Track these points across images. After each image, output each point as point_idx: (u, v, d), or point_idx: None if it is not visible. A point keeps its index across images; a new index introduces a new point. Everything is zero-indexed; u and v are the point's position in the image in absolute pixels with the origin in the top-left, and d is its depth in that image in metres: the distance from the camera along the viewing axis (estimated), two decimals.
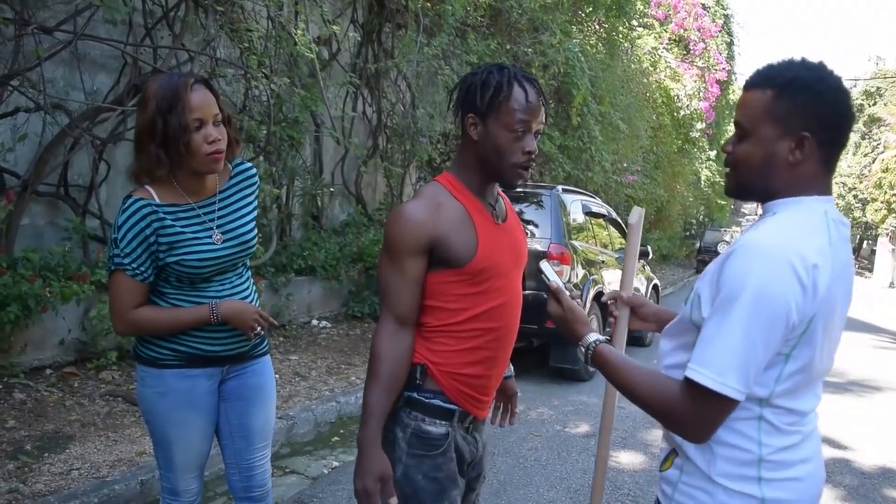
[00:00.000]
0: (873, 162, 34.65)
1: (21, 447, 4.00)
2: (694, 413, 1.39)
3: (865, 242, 44.59)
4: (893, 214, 30.17)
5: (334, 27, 7.28)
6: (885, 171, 30.37)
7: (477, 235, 1.86)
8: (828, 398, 7.06)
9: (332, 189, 8.66)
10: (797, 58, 1.52)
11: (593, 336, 1.66)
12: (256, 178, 2.43)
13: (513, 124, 1.83)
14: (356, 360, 6.70)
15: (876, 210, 31.38)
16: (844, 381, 8.19)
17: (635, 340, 8.76)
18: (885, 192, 30.23)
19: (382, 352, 1.83)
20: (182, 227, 2.20)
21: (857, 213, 36.59)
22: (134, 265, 2.15)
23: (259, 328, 2.31)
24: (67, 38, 5.14)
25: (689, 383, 1.38)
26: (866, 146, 37.06)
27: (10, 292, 4.45)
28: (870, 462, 5.27)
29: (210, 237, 2.23)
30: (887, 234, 32.41)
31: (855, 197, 36.53)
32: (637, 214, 1.90)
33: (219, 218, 2.28)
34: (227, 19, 5.97)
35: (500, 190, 2.03)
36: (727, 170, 1.59)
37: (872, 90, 37.21)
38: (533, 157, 1.88)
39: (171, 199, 2.21)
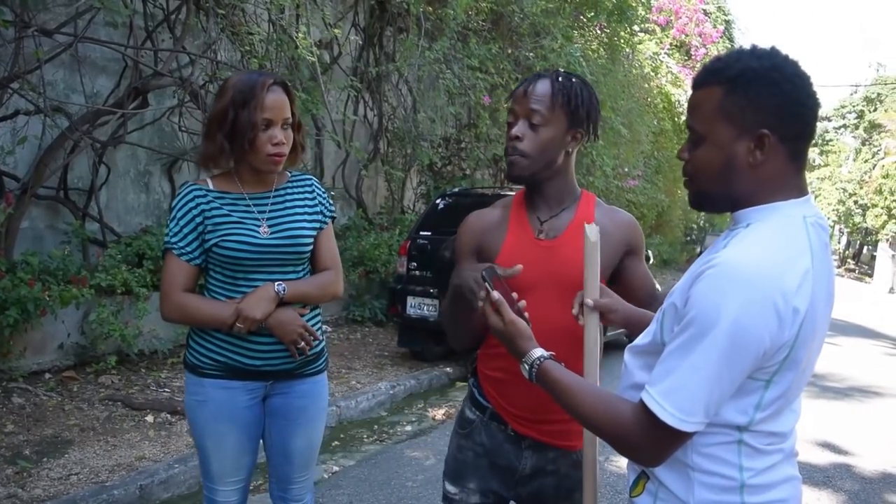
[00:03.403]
0: (874, 168, 34.65)
1: (20, 452, 3.98)
2: (649, 441, 1.30)
3: (865, 248, 44.58)
4: (894, 220, 30.12)
5: (336, 30, 7.28)
6: (886, 177, 30.33)
7: (503, 245, 1.92)
8: (828, 404, 7.08)
9: (332, 193, 8.65)
10: (746, 47, 1.35)
11: (538, 352, 1.53)
12: (313, 187, 2.39)
13: (510, 118, 1.90)
14: (356, 365, 6.68)
15: (876, 216, 31.34)
16: (845, 387, 8.16)
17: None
18: (886, 198, 30.17)
19: None
20: (229, 210, 2.22)
21: (858, 219, 36.58)
22: (181, 244, 2.19)
23: (303, 343, 2.24)
24: (68, 41, 5.14)
25: (648, 412, 1.28)
26: (867, 152, 37.04)
27: (9, 296, 4.44)
28: (871, 467, 5.24)
29: (257, 227, 2.22)
30: (887, 240, 32.35)
31: (855, 203, 36.50)
32: (594, 232, 1.74)
33: (269, 212, 2.27)
34: (229, 22, 5.96)
35: (593, 207, 1.97)
36: (684, 179, 1.43)
37: (873, 96, 37.23)
38: (516, 142, 1.85)
39: (226, 188, 2.26)
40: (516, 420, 1.95)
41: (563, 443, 1.97)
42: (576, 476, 1.98)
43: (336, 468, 4.49)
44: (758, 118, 1.29)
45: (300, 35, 6.16)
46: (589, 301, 1.73)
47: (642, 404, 1.30)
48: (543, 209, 1.94)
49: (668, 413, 1.25)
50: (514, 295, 1.65)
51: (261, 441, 2.43)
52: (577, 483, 1.97)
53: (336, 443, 4.93)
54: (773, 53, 1.32)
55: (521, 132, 1.84)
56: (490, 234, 1.96)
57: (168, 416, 4.76)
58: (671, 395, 1.25)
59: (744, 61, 1.31)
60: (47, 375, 5.06)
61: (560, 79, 1.85)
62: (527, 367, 1.54)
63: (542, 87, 1.84)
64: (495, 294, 1.61)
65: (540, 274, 1.84)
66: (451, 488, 2.04)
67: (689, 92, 1.42)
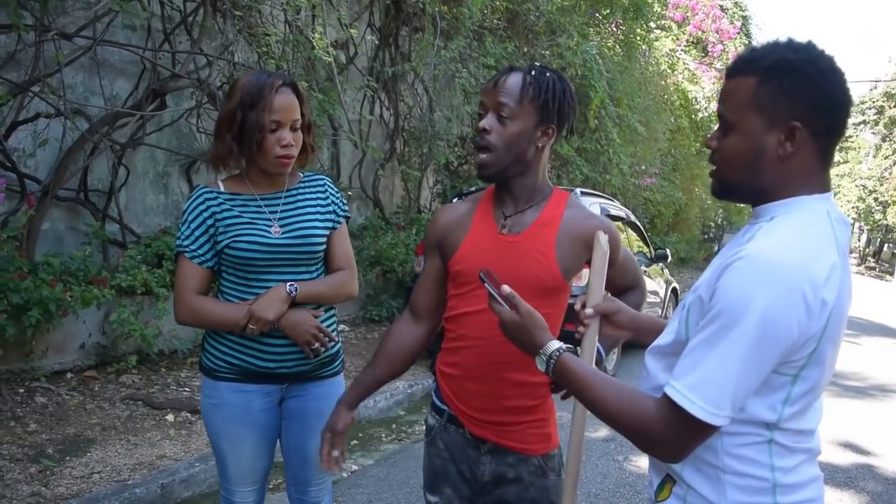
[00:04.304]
0: (894, 164, 34.30)
1: (43, 451, 4.03)
2: (674, 436, 1.28)
3: (886, 246, 44.10)
4: None
5: (351, 31, 7.29)
6: None
7: (465, 238, 1.90)
8: (850, 403, 7.02)
9: (349, 192, 8.66)
10: (783, 39, 1.35)
11: (556, 343, 1.50)
12: (326, 187, 2.39)
13: (480, 109, 1.87)
14: None
15: None
16: (867, 386, 8.09)
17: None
18: None
19: (389, 330, 2.07)
20: (240, 211, 2.21)
21: (878, 216, 36.19)
22: (193, 247, 2.19)
23: (317, 344, 2.23)
24: (87, 44, 5.18)
25: (674, 406, 1.26)
26: (887, 148, 36.65)
27: (31, 297, 4.48)
28: (894, 468, 5.19)
29: (268, 227, 2.21)
30: None
31: (875, 200, 36.13)
32: (605, 240, 1.74)
33: (281, 212, 2.26)
34: (245, 24, 5.99)
35: (563, 207, 1.89)
36: (712, 168, 1.43)
37: (894, 92, 36.79)
38: (483, 134, 1.82)
39: (237, 189, 2.25)
40: (472, 421, 1.91)
41: (521, 446, 1.90)
42: (540, 485, 1.92)
43: (355, 467, 4.51)
44: (790, 110, 1.29)
45: (316, 36, 6.18)
46: (589, 310, 1.70)
47: (667, 399, 1.28)
48: (510, 205, 1.90)
49: (698, 407, 1.23)
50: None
51: (278, 443, 2.43)
52: (543, 492, 1.92)
53: (355, 442, 4.94)
54: (810, 47, 1.31)
55: (488, 125, 1.81)
56: (455, 227, 1.94)
57: (188, 415, 4.79)
58: (700, 389, 1.24)
59: (780, 53, 1.30)
60: (69, 375, 5.10)
61: (533, 72, 1.81)
62: (544, 359, 1.51)
63: (513, 80, 1.80)
64: (506, 288, 1.58)
65: (499, 269, 1.78)
66: (432, 499, 2.02)
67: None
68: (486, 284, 1.62)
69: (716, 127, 1.42)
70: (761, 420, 1.31)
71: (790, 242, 1.25)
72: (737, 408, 1.25)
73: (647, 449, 1.36)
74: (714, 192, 1.45)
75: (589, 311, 1.70)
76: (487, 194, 1.97)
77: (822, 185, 1.34)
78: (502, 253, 1.84)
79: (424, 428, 2.08)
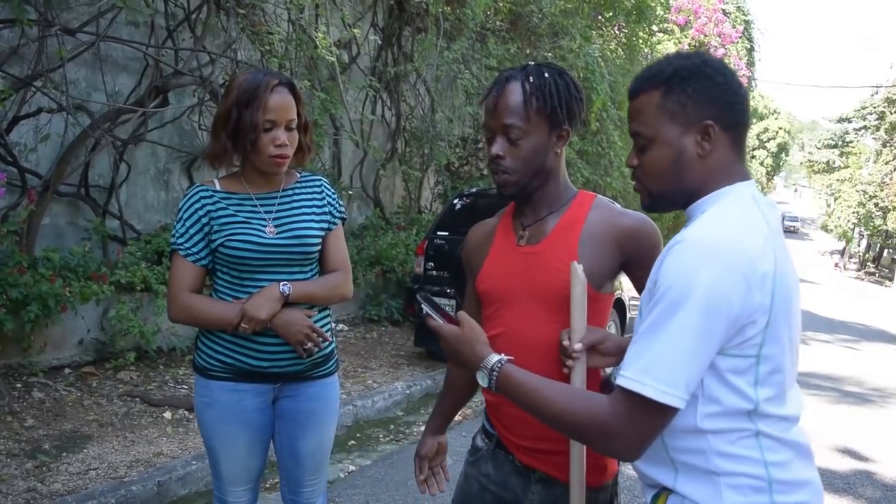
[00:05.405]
0: (895, 170, 34.29)
1: (39, 446, 4.02)
2: (632, 427, 1.26)
3: (886, 251, 44.09)
4: None
5: (354, 30, 7.29)
6: None
7: (486, 257, 1.84)
8: (848, 409, 7.02)
9: (350, 192, 8.66)
10: (670, 53, 1.46)
11: (496, 356, 1.47)
12: (322, 188, 2.37)
13: (486, 132, 1.75)
14: (373, 364, 6.68)
15: None
16: (865, 392, 8.08)
17: None
18: None
19: None
20: (235, 210, 2.20)
21: (878, 222, 36.15)
22: (187, 245, 2.18)
23: (310, 344, 2.21)
24: (90, 40, 5.18)
25: (628, 394, 1.25)
26: (888, 154, 36.61)
27: (30, 292, 4.48)
28: (892, 474, 5.18)
29: (263, 227, 2.20)
30: None
31: (876, 205, 36.07)
32: (580, 269, 1.61)
33: (276, 212, 2.25)
34: (249, 22, 5.99)
35: (588, 208, 1.76)
36: (635, 184, 1.47)
37: (894, 97, 36.77)
38: (498, 161, 1.70)
39: (233, 188, 2.25)
40: (520, 449, 1.79)
41: None
42: None
43: (352, 468, 4.50)
44: (699, 111, 1.37)
45: (319, 35, 6.18)
46: (578, 345, 1.61)
47: (618, 389, 1.29)
48: (529, 214, 1.79)
49: (650, 387, 1.23)
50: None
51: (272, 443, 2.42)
52: None
53: (352, 442, 4.94)
54: (699, 53, 1.42)
55: (501, 150, 1.69)
56: (479, 246, 1.88)
57: (186, 412, 4.78)
58: (650, 370, 1.24)
59: (674, 63, 1.40)
60: (67, 371, 5.10)
61: (531, 78, 1.68)
62: (486, 374, 1.47)
63: (513, 96, 1.67)
64: (463, 315, 1.56)
65: (519, 283, 1.72)
66: None
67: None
68: (423, 305, 1.59)
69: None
70: (740, 409, 1.30)
71: (722, 222, 1.31)
72: (690, 389, 1.25)
73: (605, 447, 1.35)
74: (644, 206, 1.50)
75: (578, 346, 1.60)
76: (510, 207, 1.87)
77: (743, 175, 1.41)
78: (522, 266, 1.74)
79: (470, 447, 1.97)
